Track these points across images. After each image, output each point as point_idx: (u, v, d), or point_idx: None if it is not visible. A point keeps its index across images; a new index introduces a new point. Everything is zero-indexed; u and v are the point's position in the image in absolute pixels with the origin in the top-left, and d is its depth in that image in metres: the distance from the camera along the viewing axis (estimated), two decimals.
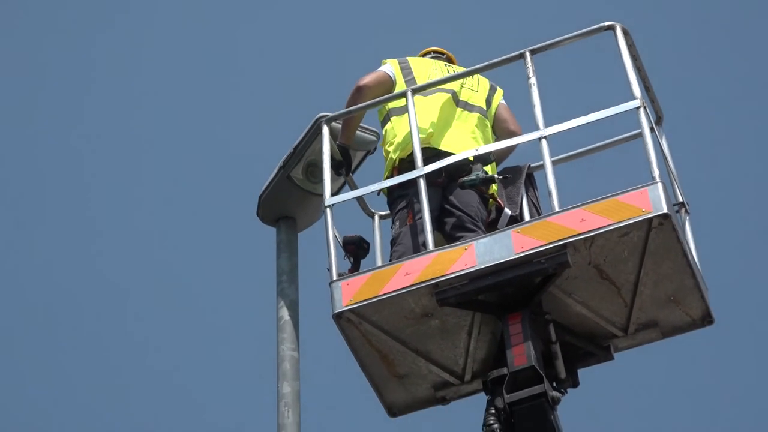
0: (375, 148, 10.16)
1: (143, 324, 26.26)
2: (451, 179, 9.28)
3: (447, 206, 9.28)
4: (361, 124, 10.04)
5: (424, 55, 10.77)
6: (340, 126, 9.90)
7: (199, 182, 24.23)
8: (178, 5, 33.49)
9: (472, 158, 9.26)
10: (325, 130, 9.45)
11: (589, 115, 8.81)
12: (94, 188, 29.69)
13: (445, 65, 10.38)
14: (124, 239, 27.56)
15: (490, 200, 9.44)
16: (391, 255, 9.29)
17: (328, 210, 9.14)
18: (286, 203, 10.25)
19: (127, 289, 26.22)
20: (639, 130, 8.69)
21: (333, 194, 9.36)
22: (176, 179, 25.87)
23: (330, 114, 9.70)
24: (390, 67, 10.04)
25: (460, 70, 10.37)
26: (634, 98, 8.71)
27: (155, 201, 26.88)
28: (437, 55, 10.71)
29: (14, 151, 31.92)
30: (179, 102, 26.80)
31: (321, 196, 9.67)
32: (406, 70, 10.03)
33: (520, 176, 9.62)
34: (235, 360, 21.31)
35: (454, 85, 10.03)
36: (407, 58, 10.37)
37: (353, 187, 9.96)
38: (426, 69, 10.15)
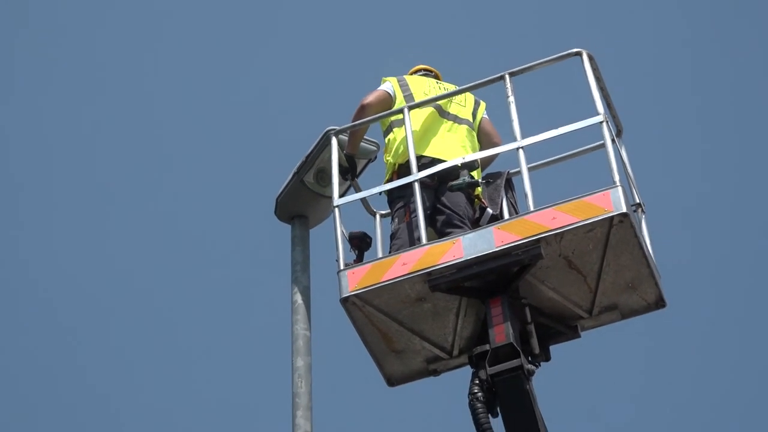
0: (376, 157, 10.56)
1: (177, 306, 27.61)
2: (441, 182, 9.69)
3: (438, 206, 9.70)
4: (364, 136, 10.50)
5: (414, 72, 11.16)
6: (346, 138, 10.35)
7: (226, 186, 25.51)
8: (206, 28, 34.28)
9: (460, 165, 9.71)
10: (334, 142, 9.93)
11: (560, 128, 9.29)
12: (134, 189, 31.33)
13: (437, 83, 10.79)
14: (162, 238, 28.74)
15: (476, 201, 9.83)
16: (390, 248, 9.71)
17: (336, 210, 9.59)
18: (300, 204, 10.67)
19: (163, 277, 27.54)
20: (602, 141, 9.12)
21: (340, 196, 9.80)
22: (206, 184, 27.07)
23: (338, 128, 10.16)
24: (390, 85, 10.47)
25: (448, 86, 10.81)
26: (597, 114, 9.14)
27: (185, 204, 28.09)
28: (426, 73, 11.11)
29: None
30: (209, 118, 27.94)
31: (330, 197, 10.09)
32: (404, 87, 10.45)
33: (501, 180, 9.97)
34: (255, 338, 22.39)
35: (442, 101, 10.51)
36: (404, 76, 10.78)
37: (357, 190, 10.46)
38: (421, 86, 10.58)
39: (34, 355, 28.63)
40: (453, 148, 10.13)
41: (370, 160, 10.58)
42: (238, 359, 25.34)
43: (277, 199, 10.69)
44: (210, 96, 29.63)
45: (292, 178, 10.53)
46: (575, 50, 9.54)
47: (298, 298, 10.30)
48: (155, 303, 27.14)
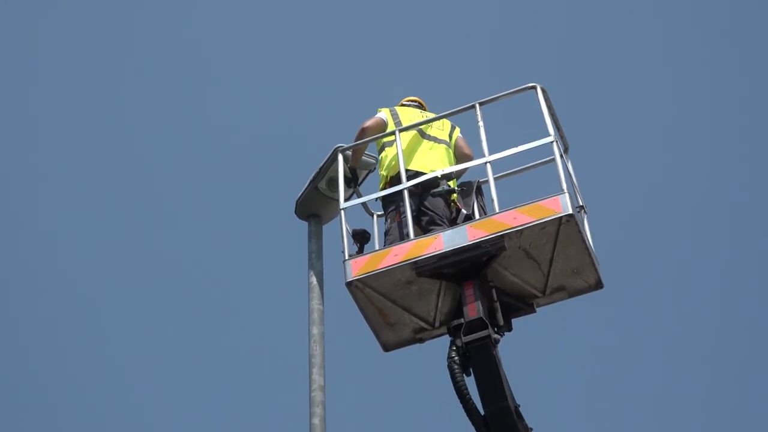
0: (374, 169, 11.15)
1: (220, 286, 29.50)
2: (425, 190, 10.32)
3: (423, 208, 10.33)
4: (365, 152, 11.09)
5: (404, 102, 11.82)
6: (350, 153, 10.95)
7: (258, 192, 27.28)
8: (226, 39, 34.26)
9: (440, 176, 10.34)
10: (340, 157, 10.64)
11: (519, 146, 9.99)
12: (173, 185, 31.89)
13: (420, 112, 11.45)
14: (208, 233, 30.41)
15: (452, 204, 10.43)
16: (384, 242, 10.35)
17: (342, 211, 10.28)
18: (314, 205, 11.29)
19: (209, 263, 29.41)
20: (552, 157, 9.83)
21: (345, 200, 10.49)
22: (242, 191, 29.12)
23: (344, 145, 10.82)
24: (383, 114, 11.16)
25: (430, 115, 11.39)
26: (548, 135, 9.85)
27: (226, 207, 29.62)
28: (412, 102, 11.76)
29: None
30: (248, 142, 30.39)
31: (338, 201, 10.67)
32: (395, 117, 11.15)
33: (472, 188, 10.62)
34: (279, 312, 23.42)
35: (425, 126, 11.10)
36: (395, 107, 11.48)
37: (359, 196, 11.02)
38: (408, 115, 11.25)
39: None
40: (434, 162, 10.75)
41: (369, 172, 11.18)
42: (267, 328, 27.48)
43: (297, 202, 11.30)
44: (250, 124, 31.70)
45: (308, 185, 11.13)
46: (531, 84, 10.23)
47: (314, 280, 10.89)
48: (203, 283, 29.79)
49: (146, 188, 32.72)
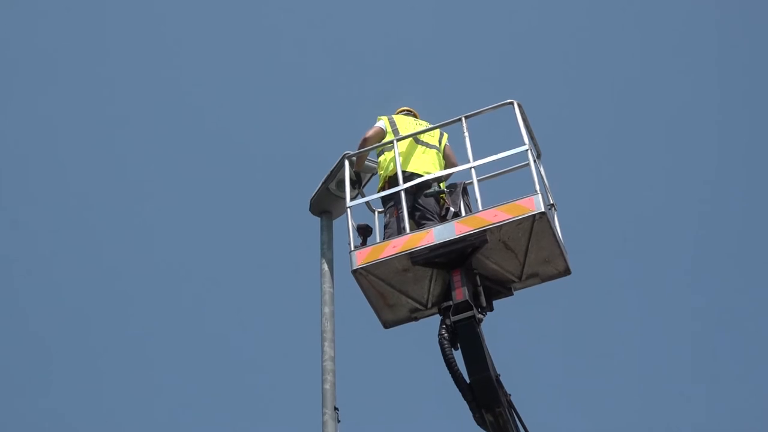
0: (375, 172, 11.44)
1: (243, 272, 30.85)
2: (418, 190, 10.66)
3: (416, 206, 10.63)
4: (368, 158, 11.45)
5: (400, 111, 12.11)
6: (355, 159, 11.25)
7: (278, 192, 27.81)
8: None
9: (432, 179, 10.72)
10: (347, 163, 10.95)
11: (499, 153, 10.30)
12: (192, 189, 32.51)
13: (415, 121, 11.74)
14: (234, 228, 31.33)
15: (442, 202, 10.73)
16: (384, 234, 10.67)
17: (348, 209, 10.60)
18: (325, 203, 11.62)
19: (235, 253, 30.65)
20: (527, 162, 10.11)
21: (351, 200, 10.81)
22: (267, 192, 30.06)
23: (351, 152, 11.13)
24: (382, 123, 11.45)
25: (422, 122, 11.71)
26: (524, 144, 10.20)
27: (253, 204, 31.10)
28: (407, 112, 12.07)
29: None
30: (273, 151, 31.36)
31: (345, 200, 10.92)
32: (392, 125, 11.44)
33: (459, 188, 10.83)
34: (295, 293, 24.26)
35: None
36: (393, 116, 11.76)
37: (363, 196, 11.38)
38: (404, 123, 11.53)
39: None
40: (426, 165, 11.07)
41: (372, 175, 11.54)
42: (285, 307, 28.16)
43: (310, 200, 11.65)
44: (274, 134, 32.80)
45: (320, 186, 11.49)
46: (509, 101, 10.58)
47: (325, 267, 11.22)
48: (235, 268, 30.73)
49: (190, 191, 33.93)
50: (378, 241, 10.60)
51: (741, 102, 34.26)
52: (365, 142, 11.26)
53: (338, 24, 35.76)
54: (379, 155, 11.29)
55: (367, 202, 11.29)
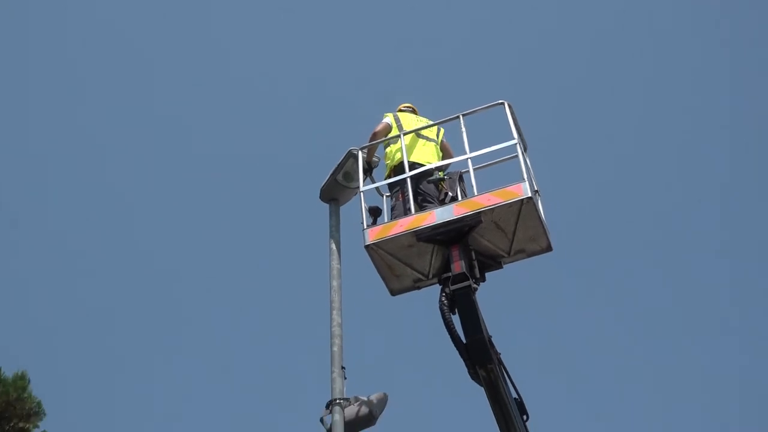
0: (378, 164, 11.70)
1: (264, 256, 33.81)
2: (421, 177, 10.97)
3: (419, 191, 10.92)
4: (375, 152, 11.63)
5: (402, 108, 12.33)
6: (367, 151, 11.49)
7: (294, 183, 29.88)
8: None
9: (434, 168, 11.08)
10: (360, 153, 11.21)
11: (492, 146, 10.67)
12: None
13: (416, 118, 11.98)
14: (257, 218, 34.04)
15: (441, 188, 10.98)
16: (391, 215, 10.92)
17: (361, 193, 10.91)
18: (334, 192, 11.73)
19: (259, 238, 33.49)
20: (516, 154, 10.51)
21: (363, 185, 11.09)
22: (285, 182, 31.93)
23: (356, 148, 11.40)
24: (389, 119, 11.73)
25: (422, 118, 11.95)
26: (513, 138, 10.58)
27: (272, 193, 33.66)
28: (408, 108, 12.34)
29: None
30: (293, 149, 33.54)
31: (353, 189, 11.31)
32: (397, 120, 11.71)
33: (456, 176, 11.12)
34: (307, 269, 26.21)
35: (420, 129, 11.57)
36: (397, 113, 11.99)
37: (373, 182, 11.53)
38: (408, 120, 11.79)
39: None
40: (427, 156, 11.40)
41: (376, 165, 11.75)
42: (299, 281, 30.66)
43: (321, 189, 11.78)
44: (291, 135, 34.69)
45: (329, 177, 11.67)
46: (501, 101, 10.92)
47: (333, 246, 11.38)
48: (255, 248, 33.54)
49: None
50: (386, 220, 10.86)
51: (715, 89, 35.33)
52: (374, 136, 11.57)
53: (347, 35, 36.89)
54: (385, 147, 11.58)
55: (377, 188, 11.51)
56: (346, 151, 11.48)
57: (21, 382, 14.75)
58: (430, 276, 10.80)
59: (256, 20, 37.11)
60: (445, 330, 9.90)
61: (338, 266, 11.19)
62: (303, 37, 36.73)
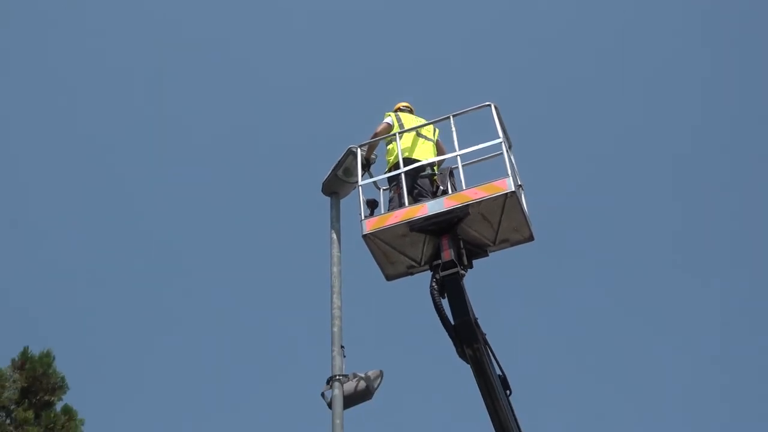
0: (376, 158, 11.85)
1: (269, 240, 35.15)
2: (417, 172, 11.22)
3: (415, 185, 11.15)
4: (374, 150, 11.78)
5: (401, 107, 12.55)
6: (366, 149, 11.65)
7: (299, 179, 31.13)
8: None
9: (427, 164, 11.31)
10: (359, 151, 11.38)
11: (479, 144, 10.85)
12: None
13: (414, 117, 12.15)
14: (267, 212, 35.41)
15: (434, 182, 11.27)
16: (389, 207, 11.09)
17: (359, 187, 11.07)
18: (334, 186, 11.87)
19: (266, 226, 34.62)
20: (501, 152, 10.71)
21: (362, 179, 11.26)
22: (290, 178, 33.12)
23: (355, 146, 11.56)
24: (390, 119, 11.92)
25: (419, 118, 12.08)
26: (498, 137, 10.78)
27: (279, 189, 34.74)
28: (406, 107, 12.56)
29: None
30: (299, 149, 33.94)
31: (352, 183, 11.47)
32: (399, 120, 11.90)
33: (447, 172, 11.34)
34: (310, 256, 27.07)
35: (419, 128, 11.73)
36: (398, 113, 12.17)
37: (371, 176, 11.71)
38: (408, 119, 11.99)
39: None
40: (425, 153, 11.61)
41: (374, 161, 11.88)
42: (302, 267, 32.23)
43: (322, 183, 11.93)
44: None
45: (330, 172, 11.83)
46: (488, 103, 11.09)
47: (334, 236, 11.52)
48: (260, 237, 34.89)
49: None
50: (383, 212, 11.01)
51: (690, 87, 35.76)
52: (376, 135, 11.78)
53: (351, 35, 37.95)
54: (387, 145, 11.80)
55: (375, 182, 11.73)
56: (346, 149, 11.66)
57: (46, 359, 15.06)
58: (422, 263, 10.94)
59: (266, 16, 38.16)
60: (435, 312, 10.05)
61: (338, 254, 11.33)
62: (307, 36, 37.84)
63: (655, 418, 32.52)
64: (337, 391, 10.19)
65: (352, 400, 10.31)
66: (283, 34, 37.87)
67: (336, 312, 10.82)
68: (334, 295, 10.95)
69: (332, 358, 10.48)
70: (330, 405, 10.17)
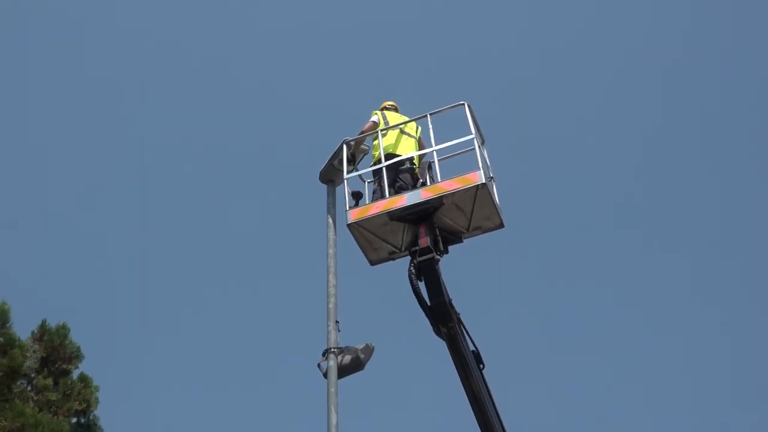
0: (366, 153, 12.10)
1: (270, 222, 36.00)
2: (399, 166, 11.50)
3: (397, 178, 11.43)
4: (364, 143, 12.04)
5: (386, 105, 12.74)
6: (353, 144, 11.86)
7: (298, 168, 31.47)
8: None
9: (408, 158, 11.54)
10: (345, 147, 11.66)
11: (453, 140, 11.12)
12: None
13: (398, 116, 12.34)
14: (271, 197, 36.46)
15: (415, 175, 11.50)
16: (372, 199, 11.37)
17: (345, 180, 11.40)
18: (331, 175, 12.14)
19: (270, 211, 35.29)
20: (473, 147, 10.95)
21: (348, 173, 11.64)
22: (290, 167, 34.07)
23: (349, 138, 11.83)
24: (377, 117, 12.13)
25: (402, 116, 12.29)
26: (471, 133, 10.99)
27: (284, 178, 35.53)
28: (392, 106, 12.75)
29: None
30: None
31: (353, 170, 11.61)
32: (384, 118, 12.14)
33: (427, 165, 11.49)
34: (308, 239, 26.83)
35: (403, 126, 12.05)
36: (384, 111, 12.38)
37: (356, 170, 12.01)
38: (393, 117, 12.22)
39: None
40: (408, 149, 11.87)
41: (363, 155, 12.20)
42: (301, 248, 33.20)
43: (320, 172, 12.22)
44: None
45: (327, 162, 12.14)
46: (462, 102, 11.33)
47: (330, 220, 11.81)
48: (262, 221, 35.58)
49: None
50: (367, 203, 11.31)
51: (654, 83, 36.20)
52: (363, 132, 12.02)
53: (350, 34, 38.79)
54: (374, 141, 12.06)
55: (360, 175, 12.02)
56: (341, 141, 11.97)
57: (63, 330, 15.57)
58: (403, 249, 11.23)
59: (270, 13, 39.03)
60: (413, 294, 10.37)
61: (334, 237, 11.62)
62: (307, 35, 38.88)
63: (621, 400, 34.29)
64: (332, 363, 10.49)
65: (345, 370, 10.60)
66: (284, 29, 38.82)
67: (332, 290, 11.09)
68: (330, 275, 11.20)
69: (328, 332, 10.77)
70: (325, 375, 10.47)
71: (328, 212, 11.97)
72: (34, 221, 36.72)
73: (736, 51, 36.56)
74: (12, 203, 36.10)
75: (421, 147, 12.05)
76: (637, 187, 37.77)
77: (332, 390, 10.34)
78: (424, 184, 11.26)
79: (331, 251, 11.52)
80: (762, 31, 36.47)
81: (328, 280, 11.18)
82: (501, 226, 11.20)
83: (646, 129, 37.27)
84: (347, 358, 10.64)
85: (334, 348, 10.61)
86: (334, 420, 10.07)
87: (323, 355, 10.64)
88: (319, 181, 12.33)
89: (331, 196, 12.10)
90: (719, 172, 37.53)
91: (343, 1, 41.21)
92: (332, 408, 10.23)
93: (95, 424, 15.39)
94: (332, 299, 11.01)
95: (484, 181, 10.57)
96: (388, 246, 11.30)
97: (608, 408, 33.21)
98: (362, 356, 10.69)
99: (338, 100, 37.97)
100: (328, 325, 10.82)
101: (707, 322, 35.64)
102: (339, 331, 10.78)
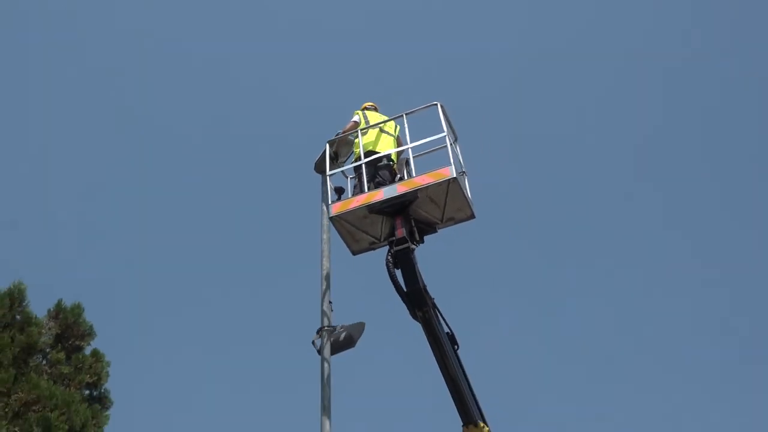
0: (351, 152, 12.25)
1: (270, 214, 36.32)
2: (378, 162, 11.71)
3: (376, 174, 11.66)
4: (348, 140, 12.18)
5: (367, 106, 12.97)
6: (336, 142, 12.06)
7: (296, 160, 29.60)
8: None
9: (387, 155, 11.75)
10: (328, 146, 11.91)
11: (427, 138, 11.33)
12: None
13: (378, 116, 12.56)
14: (272, 187, 37.03)
15: (393, 171, 11.77)
16: (353, 194, 11.59)
17: (328, 177, 11.61)
18: (324, 165, 12.07)
19: (269, 201, 35.66)
20: (446, 144, 11.15)
21: (331, 170, 11.83)
22: (289, 158, 35.21)
23: (333, 137, 12.09)
24: (358, 117, 12.37)
25: (382, 116, 12.50)
26: (443, 131, 11.22)
27: (280, 168, 35.90)
28: (372, 106, 12.97)
29: None
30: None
31: (340, 164, 11.98)
32: (365, 117, 12.38)
33: (404, 162, 11.80)
34: (304, 225, 27.49)
35: (383, 125, 12.26)
36: (365, 111, 12.62)
37: (339, 167, 12.31)
38: (373, 117, 12.45)
39: None
40: (387, 146, 12.09)
41: (349, 154, 12.38)
42: (298, 233, 33.86)
43: (315, 163, 12.45)
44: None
45: (321, 154, 12.29)
46: (435, 102, 11.54)
47: (324, 208, 11.99)
48: (263, 208, 36.02)
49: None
50: (349, 197, 11.54)
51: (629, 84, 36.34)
52: (344, 131, 12.27)
53: (347, 34, 39.43)
54: (355, 139, 12.33)
55: (342, 171, 12.26)
56: (335, 135, 12.22)
57: (77, 309, 16.04)
58: (382, 239, 11.48)
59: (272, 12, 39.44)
60: (390, 281, 10.61)
61: (327, 223, 11.81)
62: (307, 35, 39.69)
63: (598, 379, 35.27)
64: (325, 340, 10.77)
65: (338, 347, 10.86)
66: (286, 24, 39.04)
67: (325, 272, 11.36)
68: (324, 259, 11.45)
69: (321, 312, 11.03)
70: (320, 351, 10.73)
71: (322, 200, 12.12)
72: (34, 221, 36.93)
73: (736, 51, 36.71)
74: (12, 203, 36.55)
75: (399, 145, 12.23)
76: (637, 187, 37.96)
77: (326, 365, 10.57)
78: (402, 179, 11.49)
79: (324, 237, 11.74)
80: (762, 31, 36.35)
81: (321, 264, 11.51)
82: (472, 216, 11.39)
83: (646, 129, 37.47)
84: (340, 336, 10.89)
85: (327, 326, 10.87)
86: (327, 394, 10.37)
87: (317, 333, 10.89)
88: (314, 171, 12.53)
89: (325, 185, 12.20)
90: (719, 172, 37.56)
91: (343, 1, 41.49)
92: (325, 382, 10.48)
93: (106, 397, 15.78)
94: (326, 281, 11.29)
95: (455, 176, 10.77)
96: (369, 237, 11.52)
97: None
98: (354, 334, 10.93)
99: (338, 100, 38.57)
100: (322, 305, 11.09)
101: (708, 323, 35.52)
102: (332, 310, 11.05)
